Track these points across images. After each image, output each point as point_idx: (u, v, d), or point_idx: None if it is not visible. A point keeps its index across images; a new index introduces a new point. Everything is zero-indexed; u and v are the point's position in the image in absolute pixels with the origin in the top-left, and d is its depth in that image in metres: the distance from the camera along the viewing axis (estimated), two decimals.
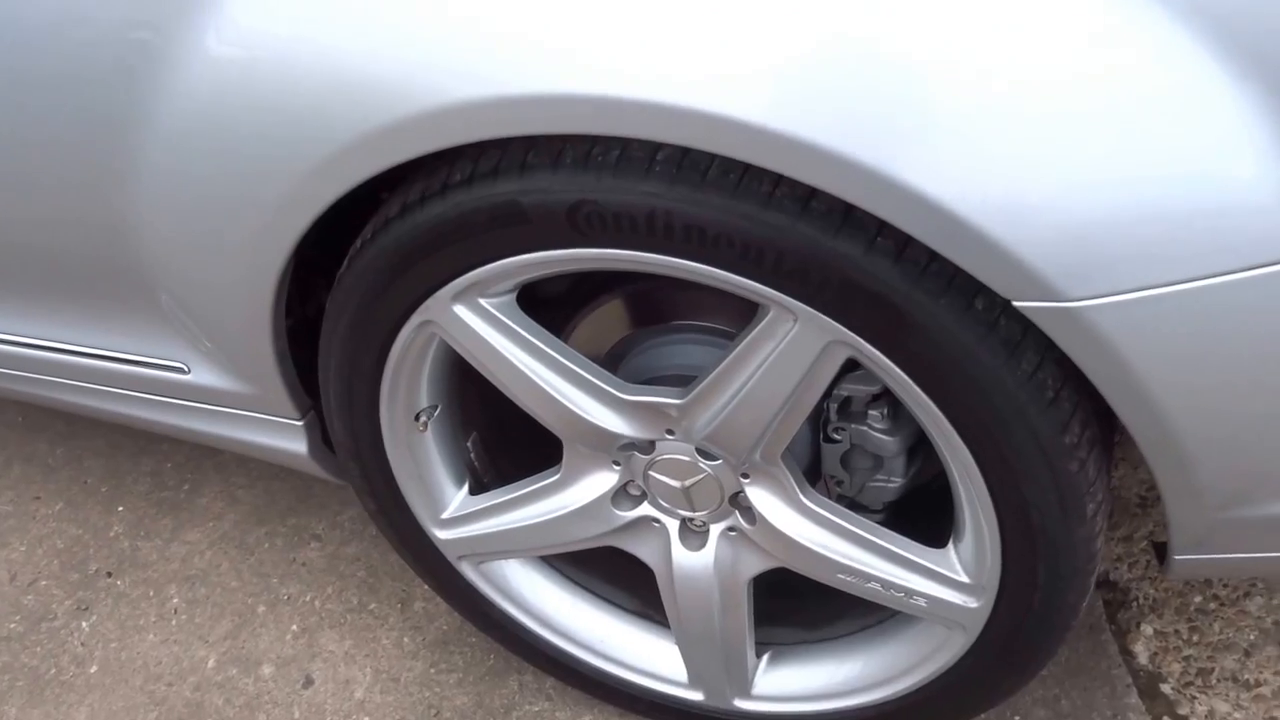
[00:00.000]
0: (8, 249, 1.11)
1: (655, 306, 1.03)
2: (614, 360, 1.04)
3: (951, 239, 0.71)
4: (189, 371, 1.14)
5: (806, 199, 0.74)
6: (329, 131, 0.82)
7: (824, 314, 0.79)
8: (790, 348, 0.84)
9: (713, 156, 0.75)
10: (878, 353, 0.81)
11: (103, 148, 0.94)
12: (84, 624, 1.39)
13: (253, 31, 0.83)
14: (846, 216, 0.74)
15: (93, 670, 1.34)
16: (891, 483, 1.00)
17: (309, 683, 1.30)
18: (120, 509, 1.53)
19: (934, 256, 0.73)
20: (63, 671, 1.34)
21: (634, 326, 1.04)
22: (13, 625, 1.40)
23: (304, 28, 0.80)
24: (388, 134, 0.80)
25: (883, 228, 0.74)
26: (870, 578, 0.97)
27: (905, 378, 0.81)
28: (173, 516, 1.51)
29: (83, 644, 1.37)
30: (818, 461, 1.01)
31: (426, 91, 0.77)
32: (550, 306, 1.01)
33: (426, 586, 1.24)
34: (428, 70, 0.77)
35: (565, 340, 1.02)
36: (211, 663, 1.33)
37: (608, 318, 1.05)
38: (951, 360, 0.79)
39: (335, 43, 0.80)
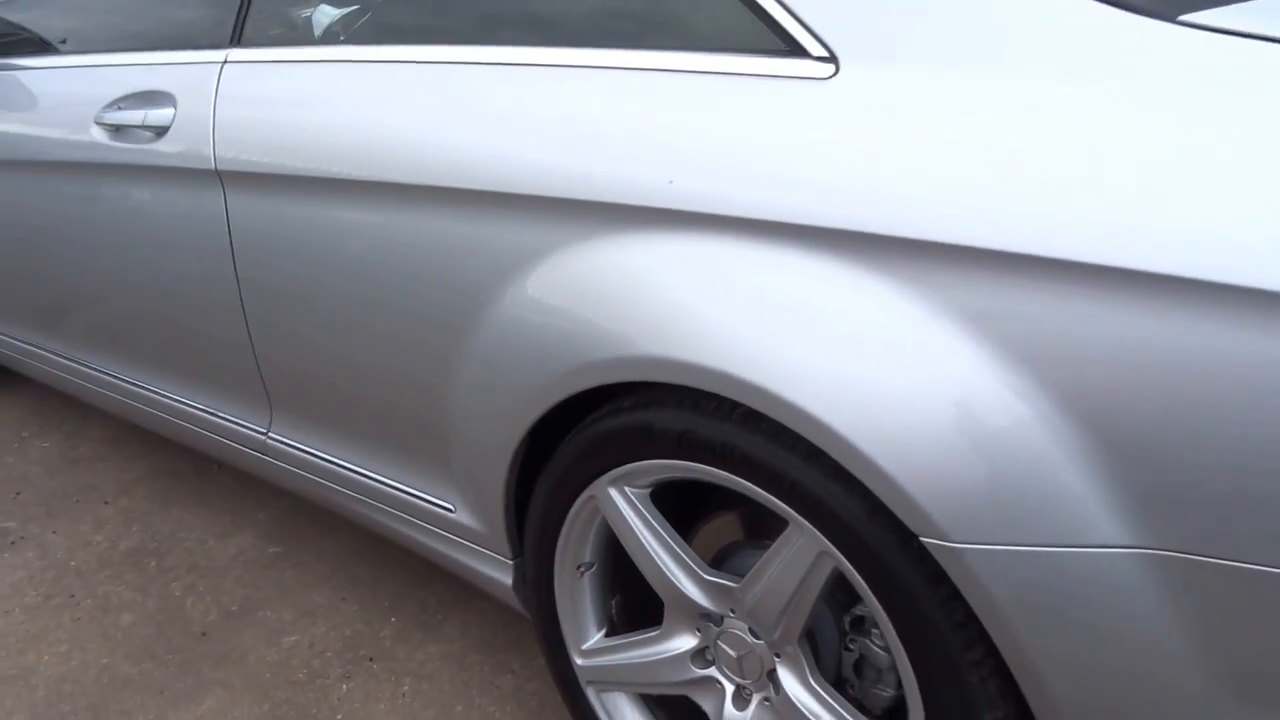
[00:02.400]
0: (355, 400, 1.73)
1: (755, 523, 1.47)
2: (721, 557, 1.48)
3: (878, 482, 1.11)
4: (455, 511, 1.69)
5: (808, 449, 1.18)
6: (553, 364, 1.37)
7: (817, 530, 1.21)
8: (797, 552, 1.25)
9: (760, 414, 1.21)
10: (848, 565, 1.20)
11: (437, 355, 1.54)
12: (344, 686, 1.92)
13: (522, 309, 1.40)
14: (836, 467, 1.17)
15: (339, 718, 1.85)
16: (886, 691, 1.34)
17: None
18: (393, 619, 2.08)
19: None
20: (320, 713, 1.86)
21: (743, 535, 1.48)
22: (300, 675, 1.95)
23: (546, 309, 1.37)
24: (575, 372, 1.33)
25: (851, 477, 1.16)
26: None
27: (872, 595, 1.20)
28: (424, 633, 2.04)
29: (339, 699, 1.89)
30: (840, 665, 1.38)
31: (587, 349, 1.31)
32: (688, 513, 1.48)
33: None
34: (599, 337, 1.30)
35: (694, 534, 1.48)
36: None
37: (725, 527, 1.49)
38: (898, 584, 1.17)
39: (560, 319, 1.35)
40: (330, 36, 1.77)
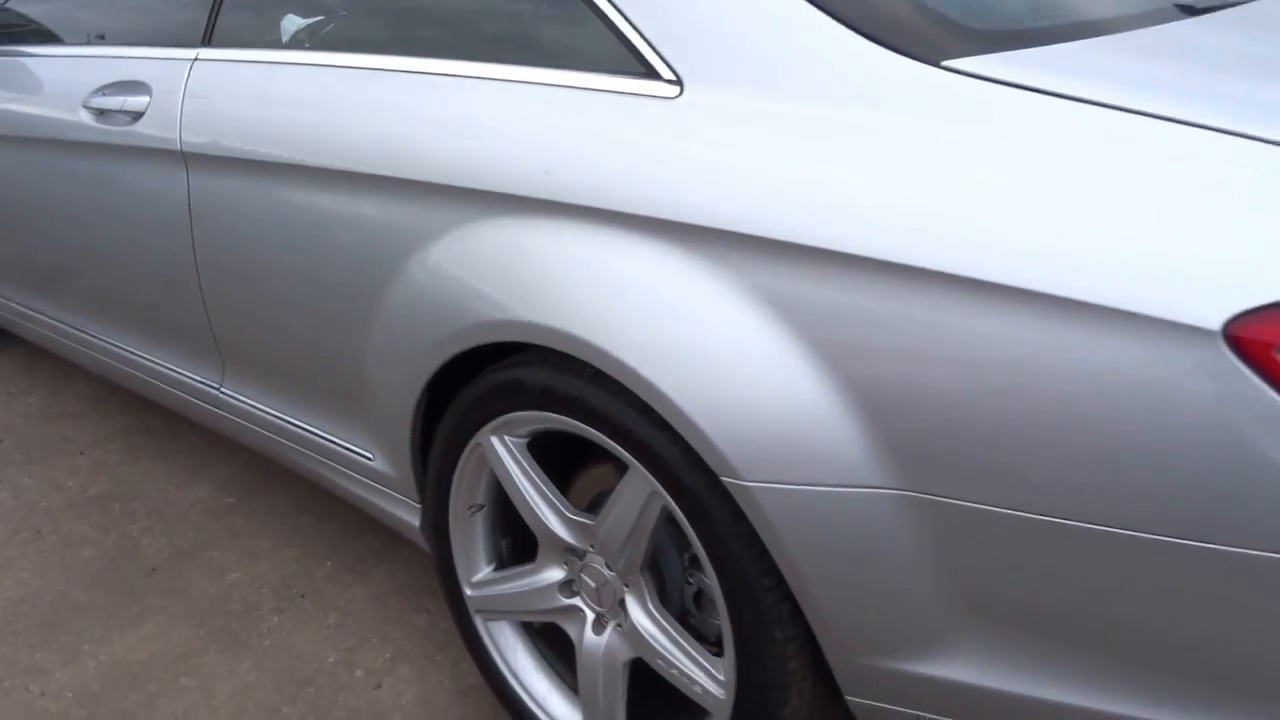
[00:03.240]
0: (292, 360, 1.96)
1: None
2: (597, 502, 1.70)
3: (689, 429, 1.33)
4: (374, 460, 1.92)
5: (640, 403, 1.41)
6: (445, 327, 1.59)
7: (648, 473, 1.43)
8: (634, 493, 1.47)
9: (603, 372, 1.44)
10: (673, 503, 1.42)
11: (356, 320, 1.77)
12: (275, 618, 2.15)
13: (422, 280, 1.63)
14: (662, 418, 1.40)
15: (266, 643, 2.08)
16: (718, 621, 1.56)
17: (379, 686, 1.96)
18: (329, 564, 2.31)
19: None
20: (249, 639, 2.09)
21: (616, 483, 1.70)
22: (236, 607, 2.18)
23: (441, 280, 1.60)
24: (462, 333, 1.56)
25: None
26: (674, 667, 1.53)
27: (691, 530, 1.42)
28: (354, 576, 2.27)
29: (268, 628, 2.12)
30: (683, 598, 1.60)
31: (471, 313, 1.53)
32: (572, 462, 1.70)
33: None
34: (481, 305, 1.53)
35: (574, 482, 1.70)
36: (331, 659, 2.04)
37: (602, 475, 1.71)
38: (711, 520, 1.39)
39: (452, 289, 1.58)
40: (295, 43, 2.00)
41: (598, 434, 1.47)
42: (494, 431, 1.62)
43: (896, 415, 1.22)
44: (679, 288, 1.34)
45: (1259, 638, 1.11)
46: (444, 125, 1.59)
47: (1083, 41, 1.38)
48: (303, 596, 2.22)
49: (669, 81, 1.41)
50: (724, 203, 1.30)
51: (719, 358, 1.31)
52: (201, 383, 2.25)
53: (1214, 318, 1.05)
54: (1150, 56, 1.38)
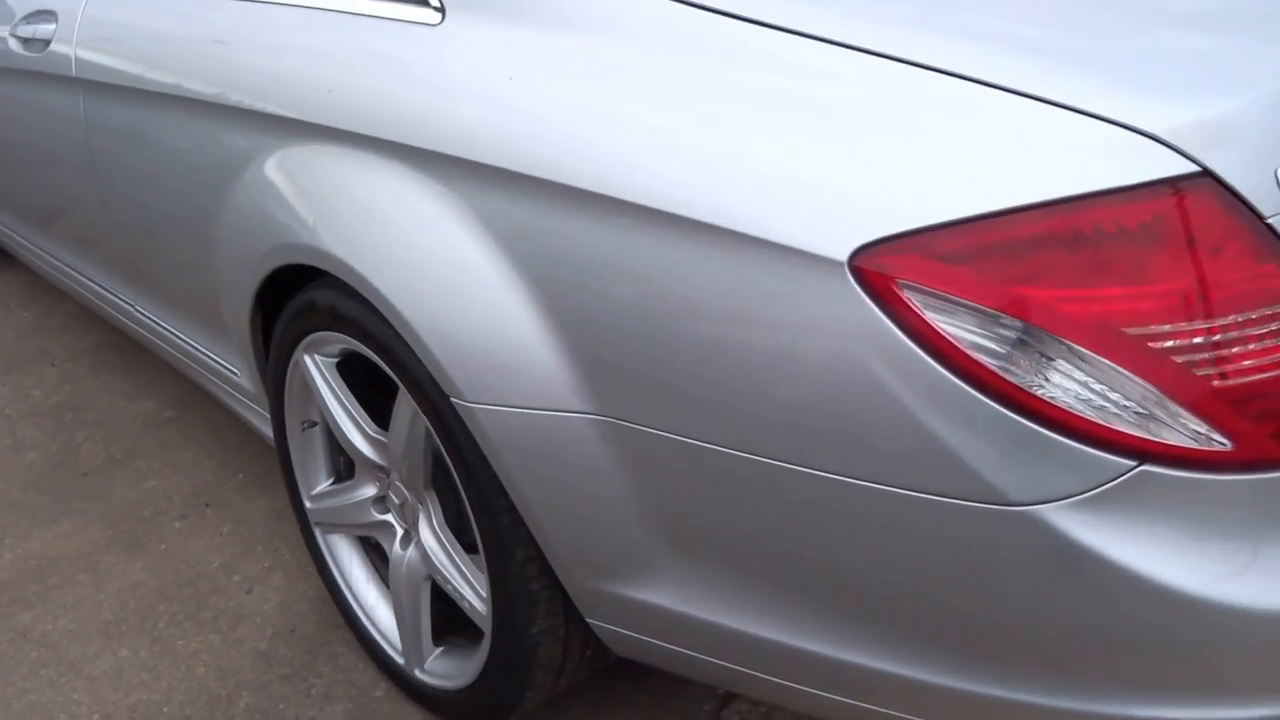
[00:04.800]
0: (174, 278, 2.05)
1: None
2: None
3: (425, 353, 1.36)
4: (238, 375, 2.00)
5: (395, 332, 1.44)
6: (257, 247, 1.65)
7: (409, 394, 1.47)
8: (403, 412, 1.51)
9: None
10: (430, 425, 1.46)
11: (204, 237, 1.84)
12: (177, 524, 2.27)
13: (241, 202, 1.68)
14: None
15: (162, 546, 2.20)
16: None
17: (250, 591, 2.07)
18: (240, 476, 2.42)
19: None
20: (148, 542, 2.21)
21: None
22: (146, 512, 2.31)
23: (255, 201, 1.65)
24: (268, 253, 1.61)
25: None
26: (449, 583, 1.58)
27: (444, 451, 1.45)
28: (260, 489, 2.37)
29: (169, 533, 2.24)
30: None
31: (271, 235, 1.58)
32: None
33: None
34: (277, 228, 1.58)
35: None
36: (215, 564, 2.15)
37: None
38: (458, 441, 1.42)
39: (259, 212, 1.63)
40: None
41: (372, 354, 1.51)
42: (305, 350, 1.68)
43: (590, 340, 1.23)
44: (415, 211, 1.36)
45: (899, 572, 1.10)
46: (252, 50, 1.64)
47: None
48: (207, 506, 2.33)
49: (434, 9, 1.42)
50: (451, 128, 1.32)
51: (445, 280, 1.33)
52: (120, 299, 2.36)
53: (841, 249, 1.03)
54: None
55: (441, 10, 1.41)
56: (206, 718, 1.80)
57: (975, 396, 0.99)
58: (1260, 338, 0.97)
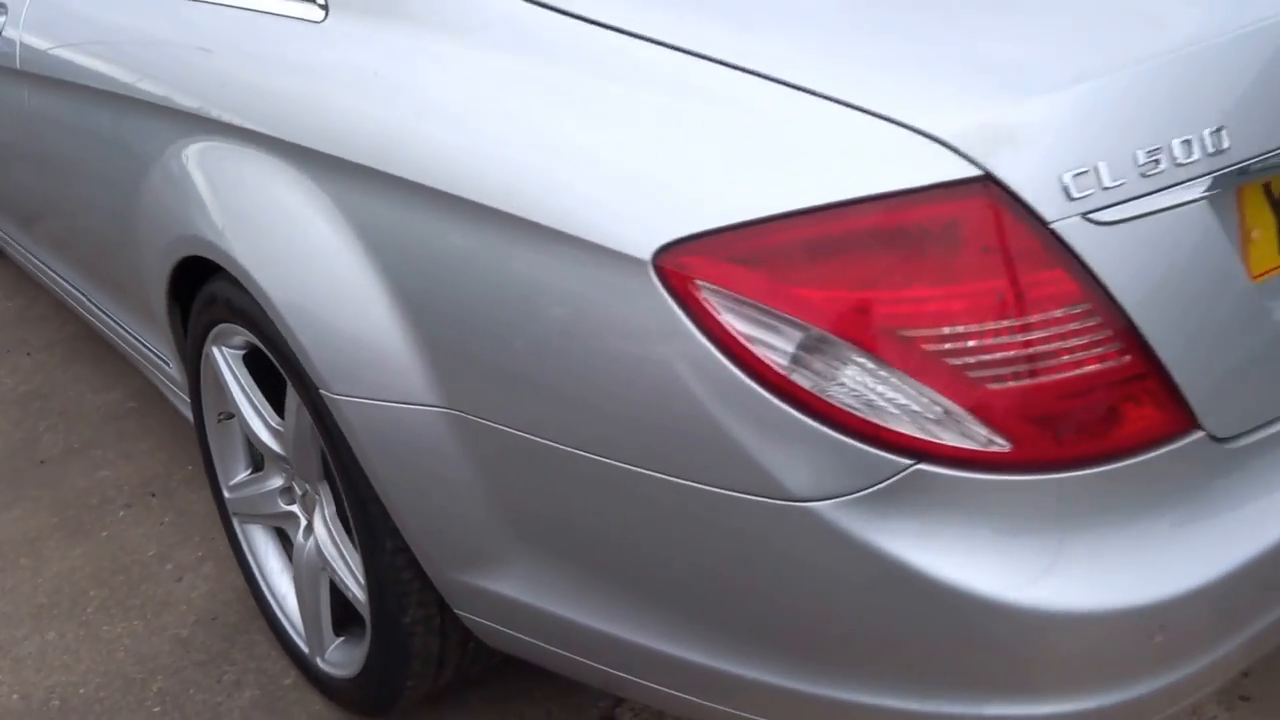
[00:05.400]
0: (96, 263, 2.11)
1: None
2: None
3: (296, 344, 1.39)
4: (169, 364, 2.05)
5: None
6: (163, 238, 1.70)
7: (292, 386, 1.50)
8: (291, 403, 1.55)
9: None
10: (311, 416, 1.49)
11: (126, 221, 1.89)
12: (121, 512, 2.33)
13: (151, 193, 1.73)
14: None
15: (104, 534, 2.26)
16: None
17: (180, 580, 2.12)
18: (189, 468, 2.48)
19: None
20: (92, 530, 2.27)
21: None
22: (94, 501, 2.37)
23: (162, 193, 1.70)
24: (172, 245, 1.66)
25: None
26: (337, 574, 1.61)
27: (321, 441, 1.48)
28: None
29: (112, 521, 2.30)
30: None
31: (174, 227, 1.63)
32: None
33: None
34: (173, 220, 1.62)
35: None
36: (151, 552, 2.20)
37: None
38: (331, 431, 1.45)
39: (164, 204, 1.68)
40: None
41: (262, 345, 1.55)
42: (213, 342, 1.72)
43: (440, 335, 1.26)
44: (290, 206, 1.40)
45: (714, 568, 1.12)
46: (158, 45, 1.69)
47: None
48: (153, 495, 2.39)
49: (319, 6, 1.46)
50: (320, 124, 1.36)
51: (313, 275, 1.37)
52: (76, 291, 2.43)
53: (646, 248, 1.05)
54: None
55: (325, 8, 1.44)
56: (120, 700, 1.85)
57: (763, 395, 1.01)
58: (1039, 341, 0.98)
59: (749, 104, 1.06)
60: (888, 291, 0.97)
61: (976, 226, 0.97)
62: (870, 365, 0.98)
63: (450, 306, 1.23)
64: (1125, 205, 1.00)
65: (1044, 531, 1.01)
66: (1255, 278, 1.17)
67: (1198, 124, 1.04)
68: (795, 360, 1.00)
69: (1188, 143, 1.03)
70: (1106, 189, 0.99)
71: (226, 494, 1.91)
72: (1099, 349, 1.00)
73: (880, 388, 0.98)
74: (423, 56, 1.30)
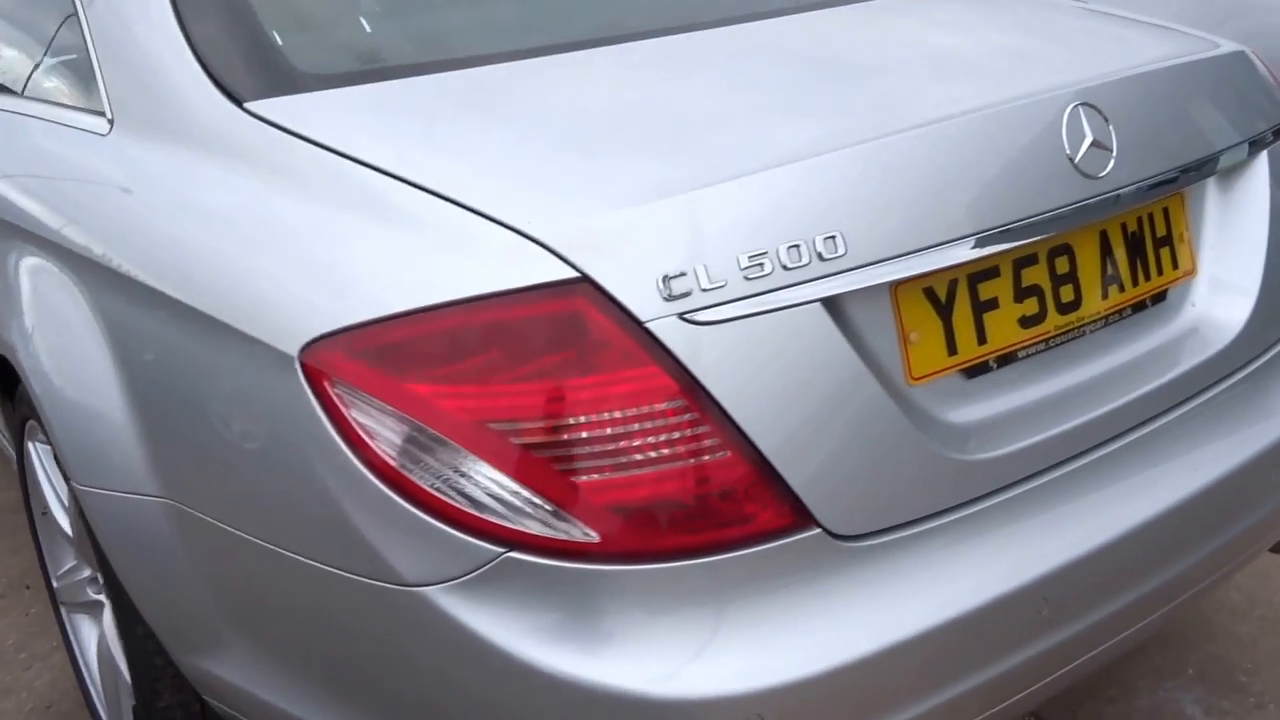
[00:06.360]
0: None
1: None
2: None
3: (53, 436, 1.46)
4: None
5: None
6: None
7: (58, 471, 1.57)
8: (63, 491, 1.61)
9: None
10: (74, 510, 1.55)
11: None
12: (3, 598, 2.39)
13: None
14: None
15: None
16: None
17: (29, 668, 2.16)
18: None
19: None
20: None
21: None
22: None
23: None
24: None
25: None
26: (115, 658, 1.65)
27: (83, 530, 1.54)
28: None
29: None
30: None
31: None
32: None
33: None
34: None
35: None
36: (11, 641, 2.25)
37: None
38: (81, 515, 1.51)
39: None
40: None
41: (45, 438, 1.62)
42: (29, 437, 1.80)
43: (159, 427, 1.33)
44: (59, 304, 1.48)
45: (366, 656, 1.15)
46: None
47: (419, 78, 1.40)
48: (28, 588, 2.45)
49: (107, 119, 1.56)
50: (84, 229, 1.45)
51: (69, 369, 1.45)
52: None
53: (293, 343, 1.11)
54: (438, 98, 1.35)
55: (111, 122, 1.55)
56: None
57: (378, 486, 1.06)
58: (632, 436, 1.02)
59: (399, 211, 1.13)
60: (485, 386, 1.03)
61: (572, 325, 1.03)
62: (465, 458, 1.02)
63: (164, 399, 1.30)
64: (726, 306, 1.05)
65: (639, 620, 1.03)
66: (916, 380, 1.20)
67: (809, 230, 1.09)
68: (403, 453, 1.05)
69: (796, 248, 1.08)
70: (706, 290, 1.04)
71: (55, 583, 1.97)
72: (695, 444, 1.04)
73: (476, 479, 1.03)
74: (174, 173, 1.39)
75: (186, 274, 1.26)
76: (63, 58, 1.84)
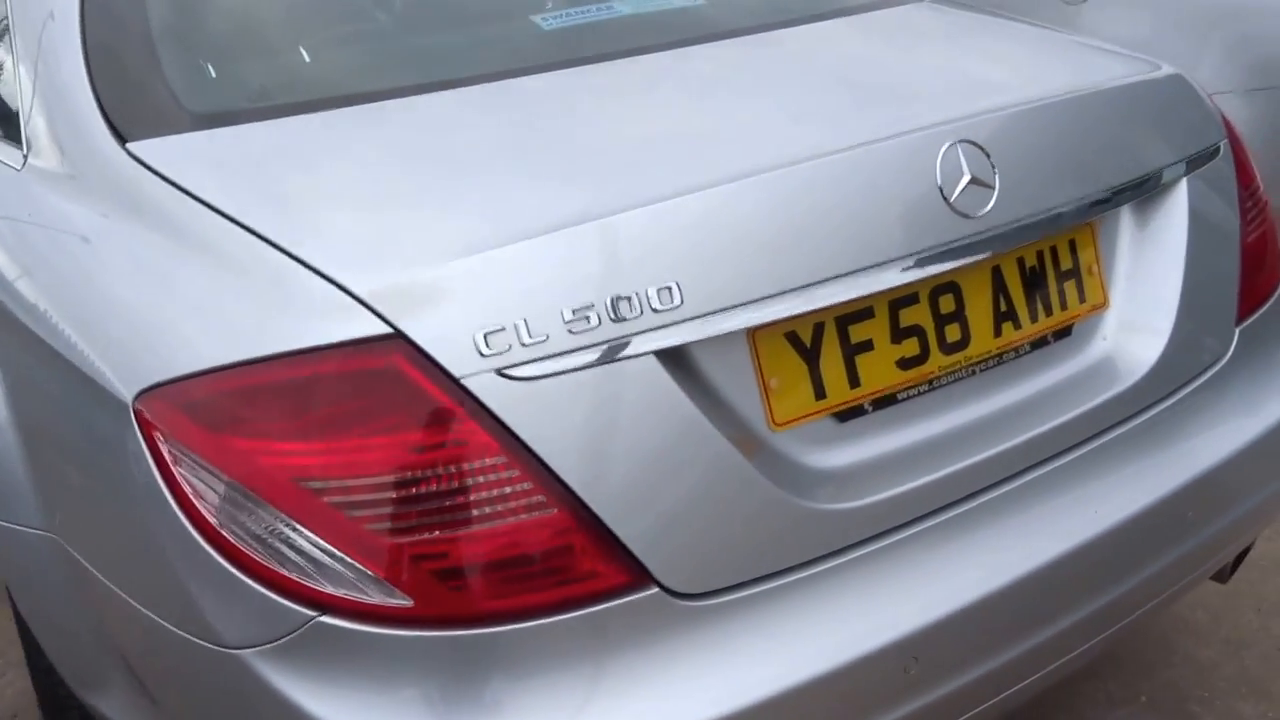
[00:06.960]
0: None
1: None
2: None
3: None
4: None
5: None
6: None
7: None
8: None
9: None
10: None
11: None
12: None
13: None
14: None
15: None
16: None
17: None
18: None
19: None
20: None
21: None
22: None
23: None
24: None
25: None
26: None
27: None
28: None
29: None
30: None
31: None
32: None
33: None
34: None
35: None
36: None
37: None
38: None
39: None
40: None
41: None
42: None
43: (40, 460, 1.33)
44: None
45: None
46: None
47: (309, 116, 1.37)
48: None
49: (23, 154, 1.57)
50: None
51: None
52: None
53: (129, 391, 1.10)
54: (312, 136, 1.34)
55: (25, 158, 1.55)
56: None
57: (199, 543, 1.04)
58: (445, 495, 1.00)
59: (234, 259, 1.11)
60: (295, 443, 1.01)
61: (386, 382, 1.00)
62: (277, 516, 1.01)
63: (44, 435, 1.31)
64: (549, 361, 1.02)
65: (455, 689, 1.01)
66: (779, 426, 1.16)
67: (642, 281, 1.05)
68: (219, 509, 1.03)
69: (627, 299, 1.04)
70: (526, 345, 1.01)
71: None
72: (515, 503, 1.01)
73: (291, 539, 1.01)
74: (62, 208, 1.39)
75: (58, 313, 1.26)
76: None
